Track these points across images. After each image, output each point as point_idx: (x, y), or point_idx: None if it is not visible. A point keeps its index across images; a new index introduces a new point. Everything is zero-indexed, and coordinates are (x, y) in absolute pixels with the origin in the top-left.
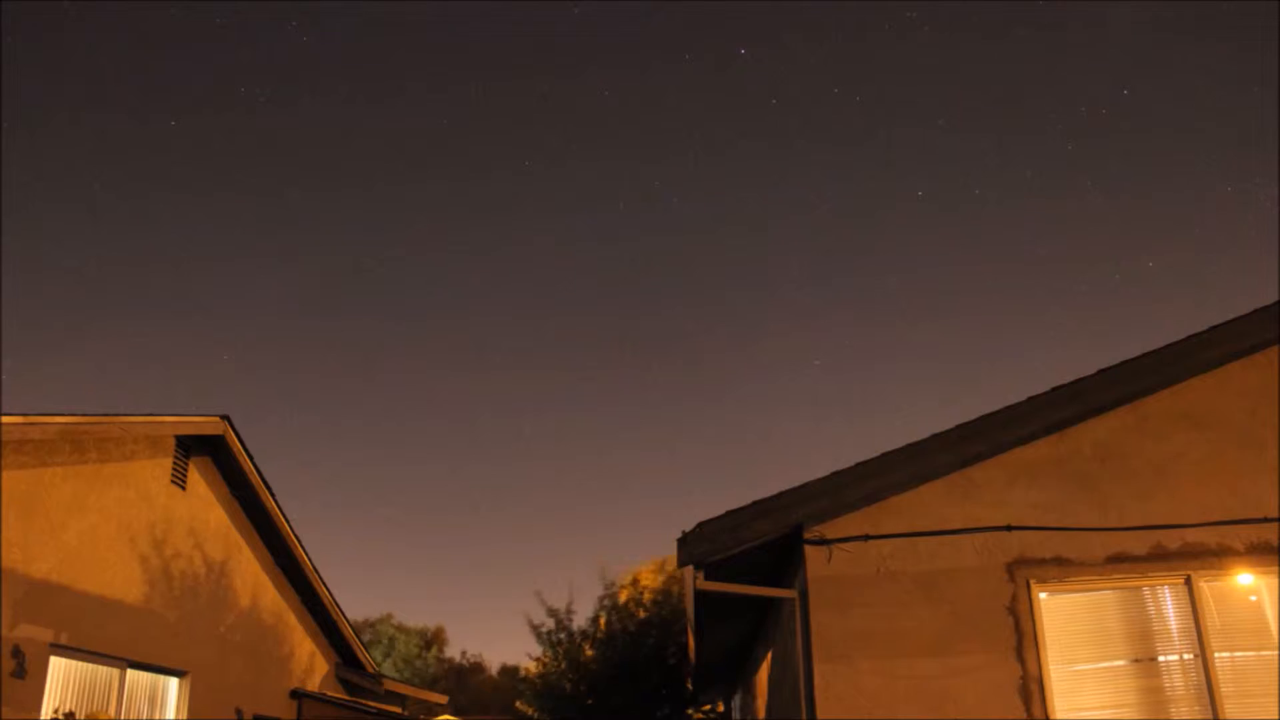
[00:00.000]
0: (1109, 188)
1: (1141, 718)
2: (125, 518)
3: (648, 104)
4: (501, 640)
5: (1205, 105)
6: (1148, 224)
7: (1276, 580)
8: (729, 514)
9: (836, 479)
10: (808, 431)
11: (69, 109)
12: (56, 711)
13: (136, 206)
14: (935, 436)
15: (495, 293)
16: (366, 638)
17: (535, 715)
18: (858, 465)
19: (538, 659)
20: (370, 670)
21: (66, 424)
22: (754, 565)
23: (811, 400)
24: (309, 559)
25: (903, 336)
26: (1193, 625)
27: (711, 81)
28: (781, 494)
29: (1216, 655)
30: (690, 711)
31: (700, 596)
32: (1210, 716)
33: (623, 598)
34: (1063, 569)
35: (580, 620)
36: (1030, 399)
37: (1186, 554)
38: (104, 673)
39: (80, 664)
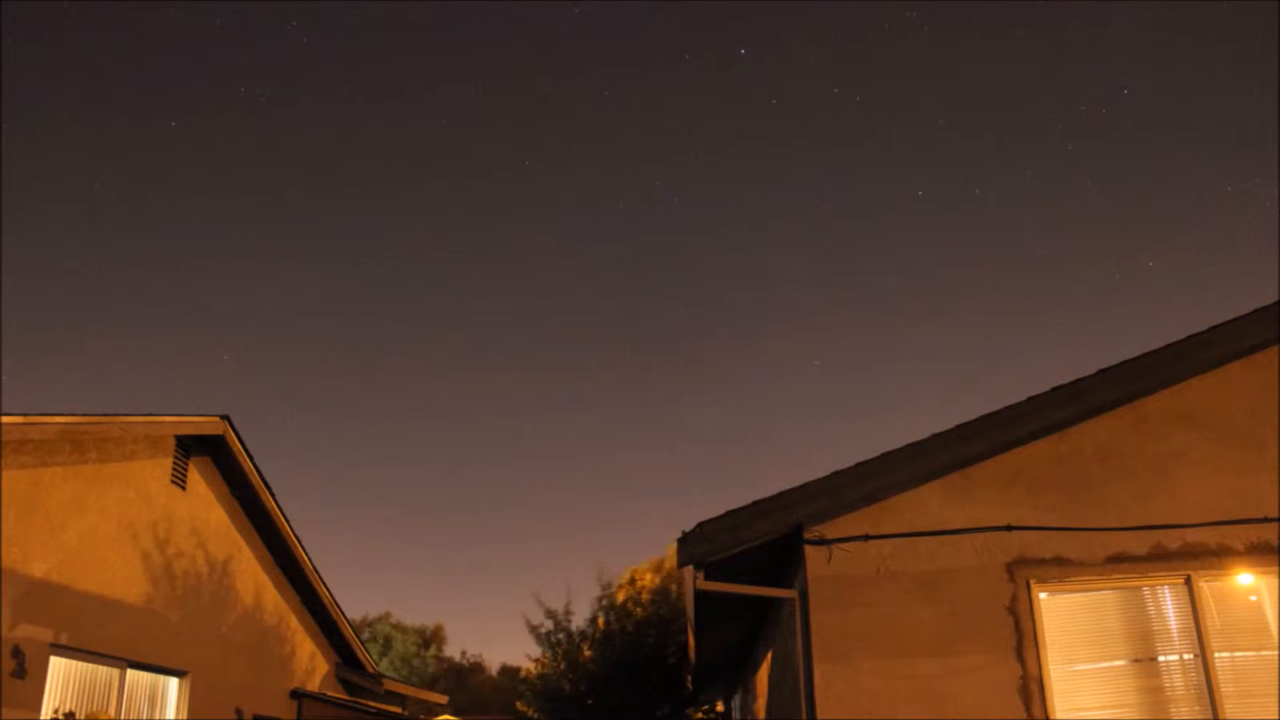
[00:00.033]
0: (1109, 188)
1: (1141, 718)
2: (125, 518)
3: (648, 104)
4: (501, 640)
5: (1205, 105)
6: (1148, 224)
7: (1276, 580)
8: (729, 514)
9: (836, 479)
10: (808, 431)
11: (69, 109)
12: (56, 711)
13: (136, 206)
14: (935, 436)
15: (495, 293)
16: (365, 636)
17: (535, 716)
18: (858, 465)
19: (537, 660)
20: (370, 670)
21: (66, 424)
22: (754, 565)
23: (811, 400)
24: (309, 559)
25: (903, 336)
26: (1193, 625)
27: (711, 81)
28: (781, 494)
29: (1216, 655)
30: (690, 711)
31: (700, 596)
32: (1210, 716)
33: (620, 598)
34: (1063, 569)
35: (579, 621)
36: (1030, 399)
37: (1186, 554)
38: (104, 673)
39: (80, 664)
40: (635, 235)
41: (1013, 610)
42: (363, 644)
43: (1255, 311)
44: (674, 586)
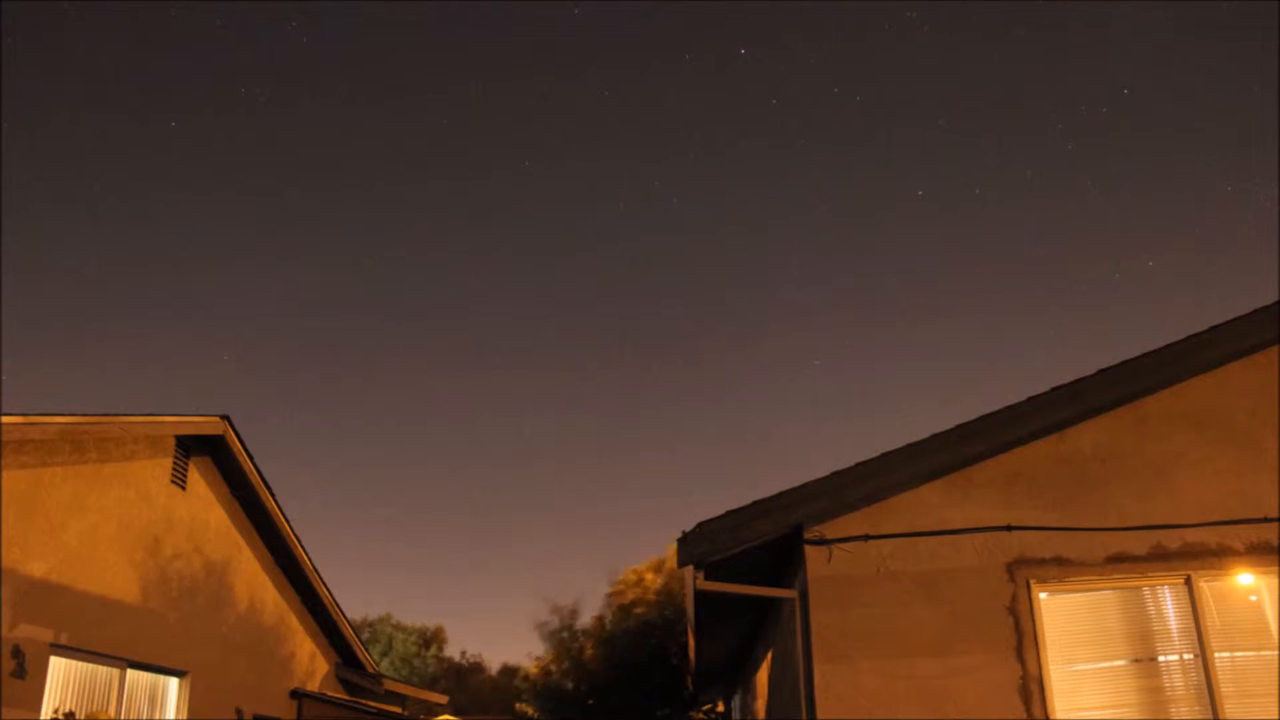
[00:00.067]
0: (1109, 188)
1: (1141, 718)
2: (125, 518)
3: (648, 104)
4: (501, 640)
5: (1205, 105)
6: (1148, 224)
7: (1276, 580)
8: (729, 514)
9: (836, 479)
10: (808, 431)
11: (69, 109)
12: (56, 711)
13: (136, 206)
14: (935, 436)
15: (495, 293)
16: (365, 637)
17: (535, 715)
18: (858, 465)
19: (538, 659)
20: (370, 670)
21: (66, 424)
22: (754, 565)
23: (811, 400)
24: (309, 559)
25: (903, 336)
26: (1193, 625)
27: (711, 81)
28: (781, 494)
29: (1216, 655)
30: (691, 712)
31: (700, 596)
32: (1210, 716)
33: (626, 597)
34: (1063, 569)
35: (583, 619)
36: (1030, 399)
37: (1186, 554)
38: (104, 673)
39: (80, 664)
40: (635, 235)
41: (1013, 610)
42: (363, 644)
43: (1255, 311)
44: (677, 586)
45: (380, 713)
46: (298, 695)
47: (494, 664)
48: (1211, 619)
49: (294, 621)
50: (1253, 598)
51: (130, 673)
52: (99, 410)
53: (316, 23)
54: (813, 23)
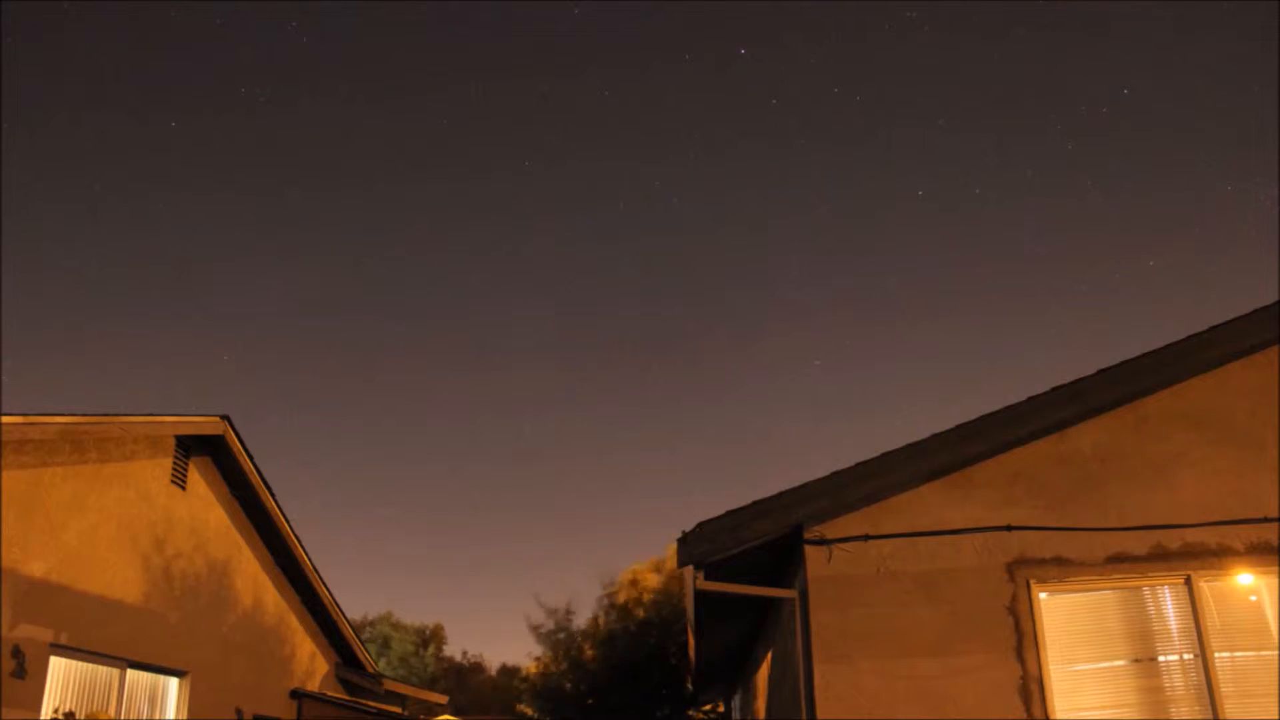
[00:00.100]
0: (1109, 188)
1: (1141, 718)
2: (125, 518)
3: (648, 104)
4: (501, 640)
5: (1205, 105)
6: (1148, 224)
7: (1276, 580)
8: (729, 514)
9: (836, 479)
10: (808, 431)
11: (69, 109)
12: (56, 711)
13: (136, 206)
14: (935, 436)
15: (495, 293)
16: (364, 636)
17: (535, 715)
18: (858, 465)
19: (538, 659)
20: (370, 670)
21: (66, 424)
22: (754, 565)
23: (811, 400)
24: (309, 559)
25: (903, 336)
26: (1193, 625)
27: (711, 81)
28: (781, 494)
29: (1216, 655)
30: (690, 712)
31: (700, 596)
32: (1210, 716)
33: (622, 598)
34: (1063, 569)
35: (580, 620)
36: (1030, 399)
37: (1186, 554)
38: (104, 673)
39: (80, 664)
40: (635, 235)
41: (1013, 610)
42: (362, 644)
43: (1255, 311)
44: (676, 586)
45: (380, 713)
46: (298, 695)
47: (494, 664)
48: (1211, 619)
49: (294, 621)
50: (1253, 598)
51: (130, 673)
52: (99, 410)
53: (316, 23)
54: (813, 23)
